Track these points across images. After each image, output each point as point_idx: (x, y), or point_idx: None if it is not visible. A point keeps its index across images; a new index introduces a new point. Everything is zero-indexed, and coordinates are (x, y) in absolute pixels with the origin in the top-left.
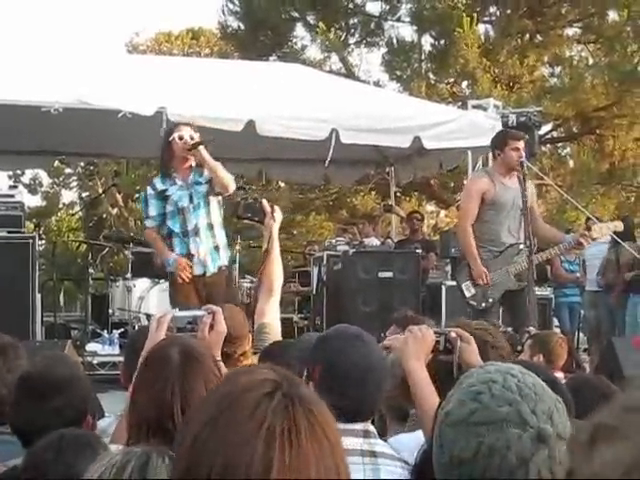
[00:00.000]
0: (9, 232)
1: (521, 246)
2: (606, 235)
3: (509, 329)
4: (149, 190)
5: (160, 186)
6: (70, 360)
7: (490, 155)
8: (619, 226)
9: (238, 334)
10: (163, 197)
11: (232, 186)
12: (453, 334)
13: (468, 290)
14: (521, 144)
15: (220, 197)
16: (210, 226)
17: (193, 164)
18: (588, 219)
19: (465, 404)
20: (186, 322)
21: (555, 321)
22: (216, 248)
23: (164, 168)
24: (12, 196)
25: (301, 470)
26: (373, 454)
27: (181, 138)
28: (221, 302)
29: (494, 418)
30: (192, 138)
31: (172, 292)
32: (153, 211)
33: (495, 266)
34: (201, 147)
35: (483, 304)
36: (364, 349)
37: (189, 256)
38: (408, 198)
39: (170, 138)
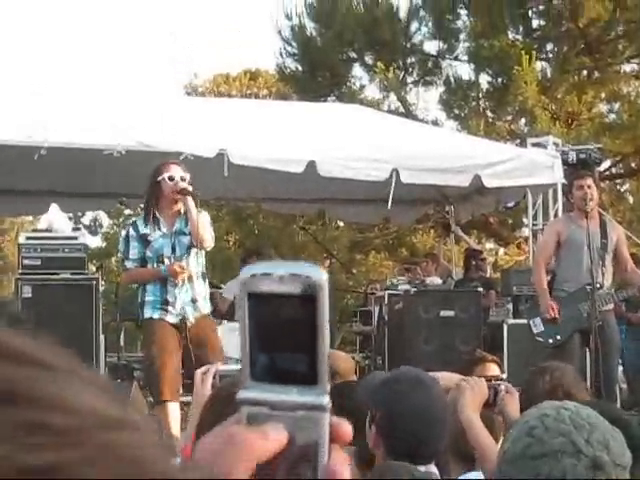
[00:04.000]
0: (72, 274)
1: (597, 285)
2: None
3: None
4: (131, 231)
5: (142, 229)
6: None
7: (550, 192)
8: None
9: (340, 370)
10: (144, 242)
11: (208, 243)
12: (502, 387)
13: (536, 326)
14: (586, 181)
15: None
16: (189, 278)
17: (182, 210)
18: None
19: (520, 440)
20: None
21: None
22: (193, 301)
23: (148, 210)
24: (75, 238)
25: None
26: None
27: (172, 179)
28: (206, 348)
29: (548, 450)
30: (183, 179)
31: (145, 339)
32: (135, 254)
33: (568, 305)
34: (189, 197)
35: (550, 340)
36: (425, 393)
37: (166, 303)
38: (467, 236)
39: (159, 177)
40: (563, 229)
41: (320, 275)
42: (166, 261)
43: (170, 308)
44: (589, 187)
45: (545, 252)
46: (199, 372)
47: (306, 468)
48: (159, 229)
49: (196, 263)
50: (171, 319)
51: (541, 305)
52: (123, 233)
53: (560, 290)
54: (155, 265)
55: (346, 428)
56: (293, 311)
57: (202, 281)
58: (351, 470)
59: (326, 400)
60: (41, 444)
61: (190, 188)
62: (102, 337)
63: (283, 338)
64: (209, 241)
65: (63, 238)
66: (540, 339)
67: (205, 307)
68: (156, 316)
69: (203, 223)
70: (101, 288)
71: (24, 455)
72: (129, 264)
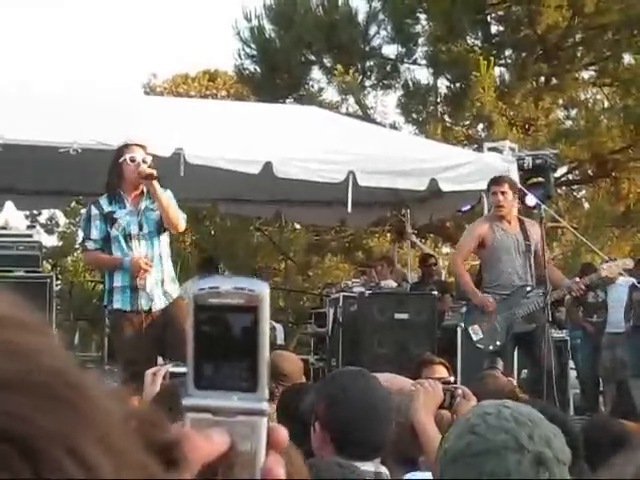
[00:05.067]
0: (26, 272)
1: (528, 288)
2: (616, 273)
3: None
4: (93, 210)
5: (107, 207)
6: None
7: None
8: (629, 263)
9: (287, 372)
10: (109, 219)
11: (182, 227)
12: (459, 391)
13: (475, 334)
14: (499, 187)
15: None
16: (159, 257)
17: (145, 190)
18: (604, 262)
19: (462, 437)
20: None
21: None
22: (162, 282)
23: (112, 190)
24: (30, 236)
25: None
26: None
27: (133, 160)
28: (173, 333)
29: (491, 446)
30: (145, 161)
31: (115, 334)
32: (96, 234)
33: (502, 309)
34: (155, 181)
35: (491, 347)
36: (366, 386)
37: (135, 289)
38: (424, 240)
39: (121, 159)
40: (487, 233)
41: (262, 288)
42: (134, 241)
43: (141, 292)
44: (503, 193)
45: (464, 252)
46: (149, 372)
47: (245, 469)
48: (124, 207)
49: (165, 242)
50: (143, 303)
51: (476, 302)
52: (85, 213)
53: (494, 294)
54: (123, 243)
55: (282, 433)
56: (236, 322)
57: (170, 262)
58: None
59: (265, 405)
60: None
61: (154, 172)
62: None
63: (226, 348)
64: (182, 224)
65: (18, 236)
66: (481, 346)
67: (174, 290)
68: (127, 307)
69: (174, 206)
70: (56, 287)
71: None
72: (90, 244)
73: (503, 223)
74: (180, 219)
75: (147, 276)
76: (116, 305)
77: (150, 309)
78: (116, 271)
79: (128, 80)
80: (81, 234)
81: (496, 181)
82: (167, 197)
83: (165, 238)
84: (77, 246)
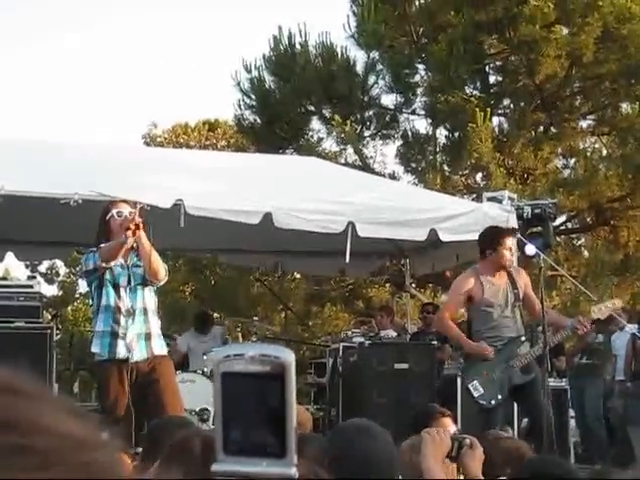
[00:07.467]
0: (27, 322)
1: (522, 338)
2: (606, 314)
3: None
4: (93, 256)
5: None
6: None
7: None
8: (618, 303)
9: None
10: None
11: (162, 276)
12: (467, 441)
13: (476, 390)
14: (513, 242)
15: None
16: (144, 311)
17: (134, 246)
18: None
19: None
20: None
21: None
22: (147, 335)
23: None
24: (30, 287)
25: None
26: None
27: (120, 215)
28: (155, 392)
29: None
30: (131, 214)
31: (97, 380)
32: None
33: (499, 361)
34: (140, 230)
35: (493, 401)
36: (371, 442)
37: (115, 336)
38: (422, 290)
39: (108, 215)
40: (475, 288)
41: (287, 355)
42: (122, 291)
43: (119, 341)
44: (511, 250)
45: (451, 308)
46: None
47: None
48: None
49: (150, 297)
50: (121, 352)
51: (472, 352)
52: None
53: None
54: (111, 289)
55: None
56: (262, 389)
57: (156, 318)
58: None
59: (293, 471)
60: (28, 465)
61: (138, 219)
62: (56, 386)
63: (253, 414)
64: (163, 273)
65: (18, 286)
66: (482, 402)
67: (160, 346)
68: (104, 353)
69: (156, 256)
70: (57, 337)
71: (16, 474)
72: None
73: (491, 276)
74: (161, 267)
75: (129, 326)
76: (94, 349)
77: (127, 359)
78: (100, 314)
79: (128, 130)
80: (82, 276)
81: (511, 234)
82: (150, 246)
83: (150, 293)
84: (77, 295)
